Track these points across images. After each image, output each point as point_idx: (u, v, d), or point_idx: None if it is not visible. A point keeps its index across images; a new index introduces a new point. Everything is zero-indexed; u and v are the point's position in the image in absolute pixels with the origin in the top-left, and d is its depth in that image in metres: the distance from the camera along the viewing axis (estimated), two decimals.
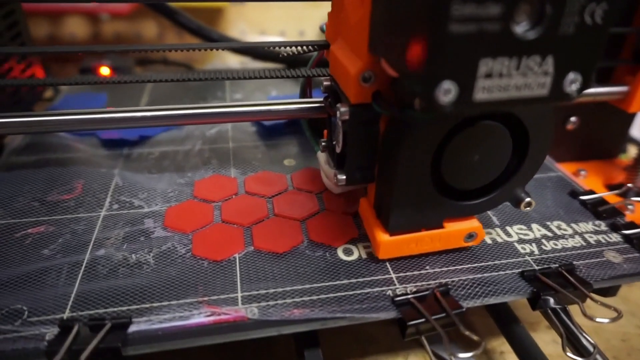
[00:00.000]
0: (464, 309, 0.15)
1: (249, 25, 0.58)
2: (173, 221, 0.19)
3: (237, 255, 0.17)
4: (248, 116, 0.20)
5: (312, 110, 0.20)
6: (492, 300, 0.16)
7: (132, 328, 0.14)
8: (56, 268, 0.16)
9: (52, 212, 0.19)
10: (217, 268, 0.17)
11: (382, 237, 0.16)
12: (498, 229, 0.19)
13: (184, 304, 0.15)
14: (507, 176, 0.16)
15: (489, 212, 0.20)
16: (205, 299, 0.15)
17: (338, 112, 0.15)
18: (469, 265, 0.17)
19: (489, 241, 0.19)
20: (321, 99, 0.20)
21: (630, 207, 0.22)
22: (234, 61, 0.47)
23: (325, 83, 0.17)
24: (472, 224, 0.17)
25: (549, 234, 0.19)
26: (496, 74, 0.11)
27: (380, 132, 0.16)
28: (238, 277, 0.16)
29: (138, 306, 0.15)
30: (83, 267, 0.16)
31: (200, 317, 0.15)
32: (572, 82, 0.12)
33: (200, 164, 0.23)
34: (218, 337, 0.14)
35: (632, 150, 0.29)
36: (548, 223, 0.20)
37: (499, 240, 0.19)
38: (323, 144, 0.19)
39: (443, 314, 0.15)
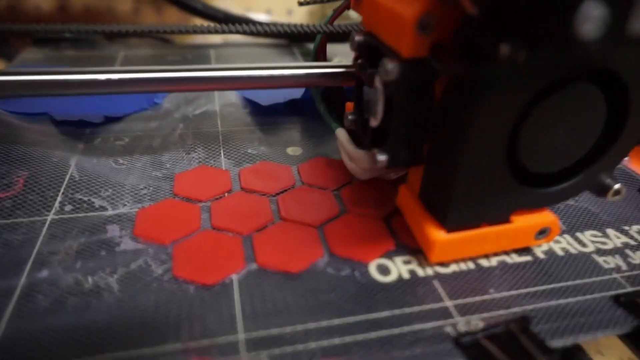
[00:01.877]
0: (554, 355, 0.11)
1: (233, 1, 0.53)
2: (146, 228, 0.14)
3: (234, 277, 0.13)
4: (246, 82, 0.15)
5: (333, 77, 0.15)
6: (588, 337, 0.12)
7: None
8: None
9: None
10: (207, 296, 0.12)
11: (437, 235, 0.13)
12: (567, 237, 0.15)
13: (162, 353, 0.10)
14: (595, 156, 0.13)
15: None
16: (193, 344, 0.11)
17: (382, 71, 0.11)
18: (545, 287, 0.13)
19: (560, 252, 0.14)
20: (342, 64, 0.15)
21: None
22: (215, 38, 0.42)
23: (357, 38, 0.13)
24: (546, 217, 0.14)
25: (632, 242, 0.15)
26: None
27: (435, 97, 0.12)
28: (238, 310, 0.12)
29: (93, 358, 0.10)
30: (15, 297, 0.11)
31: None
32: None
33: (182, 152, 0.18)
34: None
35: None
36: (626, 228, 0.16)
37: (573, 251, 0.14)
38: (350, 118, 0.15)
39: None
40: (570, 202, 0.17)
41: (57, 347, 0.10)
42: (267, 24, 0.16)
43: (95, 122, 0.19)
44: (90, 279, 0.12)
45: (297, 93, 0.22)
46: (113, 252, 0.13)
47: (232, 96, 0.23)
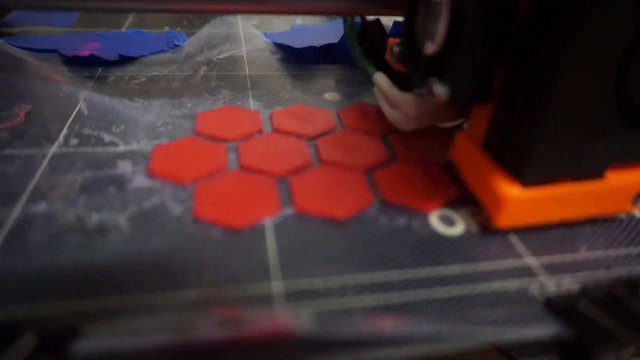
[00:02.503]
0: None
1: None
2: (163, 165, 0.12)
3: (268, 221, 0.10)
4: (275, 3, 0.12)
5: (379, 4, 0.13)
6: None
7: (79, 346, 0.07)
8: None
9: None
10: (235, 241, 0.10)
11: (510, 190, 0.10)
12: None
13: (177, 300, 0.08)
14: None
15: None
16: (217, 293, 0.08)
17: None
18: None
19: None
20: None
21: None
22: None
23: None
24: None
25: None
26: None
27: (516, 12, 0.09)
28: (273, 257, 0.09)
29: (94, 303, 0.08)
30: (6, 231, 0.09)
31: (207, 329, 0.08)
32: None
33: (206, 92, 0.16)
34: None
35: None
36: None
37: None
38: (396, 50, 0.12)
39: None
40: None
41: (49, 287, 0.08)
42: None
43: (108, 60, 0.17)
44: (95, 216, 0.10)
45: (332, 37, 0.19)
46: (124, 189, 0.11)
47: (260, 43, 0.20)
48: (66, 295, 0.08)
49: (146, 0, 0.13)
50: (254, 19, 0.24)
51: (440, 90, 0.10)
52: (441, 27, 0.10)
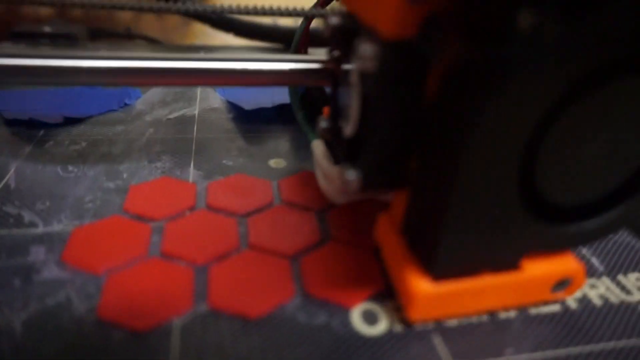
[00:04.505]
0: None
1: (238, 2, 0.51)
2: (78, 252, 0.11)
3: (176, 321, 0.10)
4: (212, 76, 0.12)
5: (307, 75, 0.12)
6: None
7: None
8: None
9: None
10: (136, 346, 0.09)
11: (421, 286, 0.09)
12: (606, 280, 0.12)
13: None
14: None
15: (585, 252, 0.13)
16: None
17: (357, 57, 0.08)
18: (579, 349, 0.10)
19: (597, 301, 0.11)
20: (317, 58, 0.12)
21: None
22: (215, 40, 0.39)
23: (333, 20, 0.10)
24: (567, 263, 0.10)
25: None
26: None
27: (425, 95, 0.09)
28: None
29: None
30: None
31: None
32: None
33: (145, 160, 0.15)
34: None
35: None
36: None
37: (614, 300, 0.11)
38: (323, 125, 0.12)
39: None
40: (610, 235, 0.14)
41: None
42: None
43: (50, 123, 0.17)
44: None
45: (286, 97, 0.19)
46: (30, 282, 0.10)
47: (216, 100, 0.20)
48: None
49: (107, 75, 0.12)
50: None
51: (351, 176, 0.09)
52: (354, 110, 0.10)
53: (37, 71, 0.12)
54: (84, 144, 0.16)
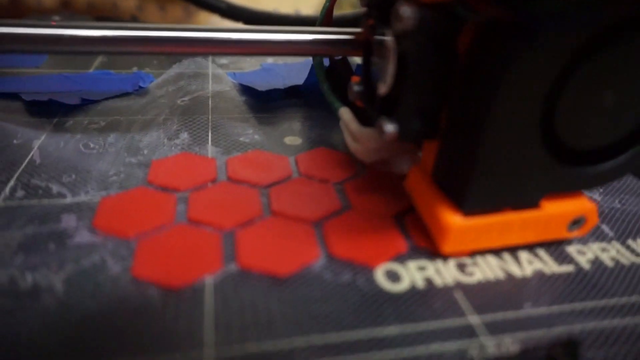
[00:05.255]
0: None
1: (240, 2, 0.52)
2: (108, 219, 0.12)
3: (208, 279, 0.10)
4: (243, 46, 0.12)
5: (337, 46, 0.13)
6: None
7: None
8: None
9: None
10: (172, 302, 0.10)
11: (453, 219, 0.10)
12: (616, 244, 0.12)
13: None
14: None
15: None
16: None
17: (395, 19, 0.09)
18: (595, 303, 0.10)
19: (609, 262, 0.12)
20: (349, 30, 0.13)
21: None
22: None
23: None
24: (582, 204, 0.11)
25: None
26: None
27: (458, 55, 0.09)
28: (209, 320, 0.09)
29: None
30: None
31: None
32: None
33: (164, 138, 0.16)
34: None
35: None
36: None
37: (624, 261, 0.12)
38: (356, 89, 0.12)
39: None
40: (616, 204, 0.14)
41: None
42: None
43: (69, 104, 0.17)
44: (29, 277, 0.10)
45: (297, 79, 0.20)
46: (64, 246, 0.11)
47: (228, 84, 0.21)
48: None
49: (112, 44, 0.13)
50: (225, 59, 0.24)
51: (389, 128, 0.10)
52: (390, 70, 0.10)
53: (39, 39, 0.12)
54: (102, 123, 0.16)
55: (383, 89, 0.10)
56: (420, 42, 0.09)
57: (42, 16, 0.28)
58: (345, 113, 0.14)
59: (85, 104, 0.18)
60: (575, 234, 0.12)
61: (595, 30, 0.08)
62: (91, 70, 0.21)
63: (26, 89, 0.18)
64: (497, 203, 0.11)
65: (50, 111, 0.17)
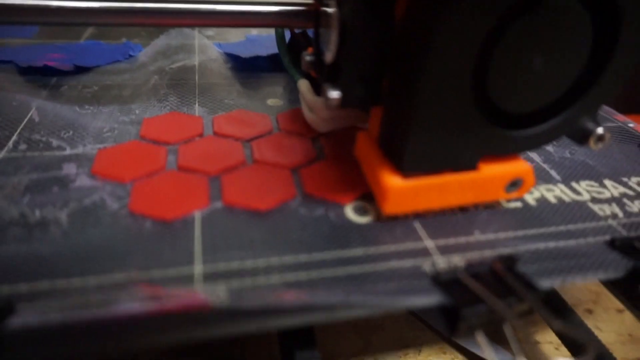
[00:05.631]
0: (540, 291, 0.10)
1: None
2: (105, 166, 0.13)
3: (197, 214, 0.12)
4: (211, 17, 0.14)
5: (292, 17, 0.14)
6: (577, 278, 0.11)
7: (13, 320, 0.08)
8: None
9: None
10: (165, 231, 0.11)
11: (392, 180, 0.11)
12: (561, 185, 0.14)
13: (105, 282, 0.09)
14: (577, 94, 0.11)
15: (545, 166, 0.15)
16: (143, 275, 0.10)
17: None
18: (534, 231, 0.12)
19: (552, 200, 0.13)
20: (302, 1, 0.14)
21: None
22: None
23: None
24: (519, 166, 0.12)
25: (630, 192, 0.14)
26: None
27: (395, 25, 0.10)
28: (198, 244, 0.11)
29: (30, 285, 0.09)
30: None
31: (130, 303, 0.09)
32: None
33: (154, 100, 0.17)
34: (158, 337, 0.09)
35: None
36: (625, 179, 0.15)
37: (566, 199, 0.13)
38: (307, 59, 0.13)
39: (512, 298, 0.10)
40: (566, 154, 0.16)
41: None
42: None
43: (63, 70, 0.18)
44: (37, 212, 0.11)
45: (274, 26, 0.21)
46: (66, 188, 0.12)
47: (214, 53, 0.22)
48: (5, 280, 0.09)
49: (102, 16, 0.14)
50: (210, 30, 0.25)
51: (332, 94, 0.11)
52: (333, 38, 0.11)
53: (27, 10, 0.13)
54: (95, 88, 0.18)
55: (329, 57, 0.11)
56: (359, 10, 0.10)
57: None
58: (302, 84, 0.15)
59: (79, 71, 0.19)
60: (514, 195, 0.12)
61: (503, 3, 0.09)
62: (82, 41, 0.22)
63: (20, 59, 0.18)
64: (436, 165, 0.11)
65: (44, 78, 0.18)
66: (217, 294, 0.09)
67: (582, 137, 0.12)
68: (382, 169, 0.11)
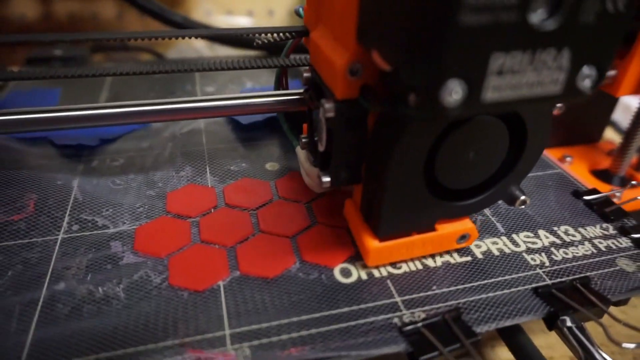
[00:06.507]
0: (479, 337, 0.14)
1: (214, 4, 0.55)
2: (144, 243, 0.16)
3: (221, 283, 0.15)
4: (220, 111, 0.18)
5: (289, 104, 0.18)
6: (507, 323, 0.14)
7: None
8: (6, 309, 0.14)
9: None
10: (199, 300, 0.14)
11: (372, 244, 0.15)
12: (504, 238, 0.18)
13: (163, 348, 0.13)
14: (503, 174, 0.15)
15: (493, 219, 0.19)
16: (188, 340, 0.13)
17: (322, 109, 0.14)
18: (479, 283, 0.16)
19: (496, 252, 0.17)
20: (299, 90, 0.18)
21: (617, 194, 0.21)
22: (200, 45, 0.44)
23: (305, 74, 0.16)
24: (465, 225, 0.16)
25: (558, 241, 0.18)
26: (508, 70, 0.10)
27: (368, 128, 0.14)
28: (224, 311, 0.14)
29: (109, 354, 0.13)
30: (39, 307, 0.14)
31: None
32: (586, 77, 0.11)
33: (172, 171, 0.20)
34: None
35: (609, 134, 0.29)
36: (555, 228, 0.18)
37: (507, 251, 0.17)
38: (303, 140, 0.17)
39: (457, 344, 0.13)
40: (511, 206, 0.19)
41: (77, 348, 0.13)
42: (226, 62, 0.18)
43: (92, 146, 0.21)
44: (100, 289, 0.15)
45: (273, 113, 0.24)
46: (118, 266, 0.15)
47: None
48: (90, 349, 0.13)
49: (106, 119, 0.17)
50: (210, 87, 0.28)
51: (324, 179, 0.15)
52: (323, 137, 0.15)
53: (71, 119, 0.17)
54: (121, 160, 0.21)
55: (321, 148, 0.15)
56: (340, 123, 0.14)
57: (42, 47, 0.31)
58: (300, 152, 0.18)
59: (103, 144, 0.22)
60: (463, 245, 0.17)
61: (442, 123, 0.13)
62: None
63: (54, 133, 0.22)
64: (403, 229, 0.15)
65: (76, 152, 0.21)
66: (243, 353, 0.13)
67: (511, 201, 0.16)
68: (364, 234, 0.15)
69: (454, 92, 0.10)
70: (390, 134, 0.13)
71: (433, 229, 0.16)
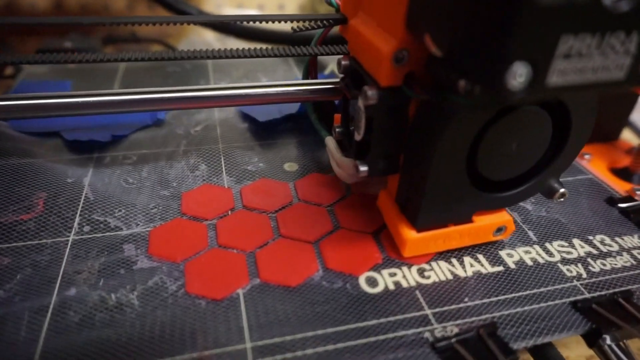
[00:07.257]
0: (517, 355, 0.13)
1: None
2: (159, 247, 0.15)
3: (240, 291, 0.14)
4: (251, 99, 0.17)
5: (322, 93, 0.17)
6: (546, 339, 0.13)
7: None
8: (14, 316, 0.13)
9: (6, 237, 0.15)
10: (217, 309, 0.14)
11: (409, 235, 0.15)
12: (537, 247, 0.17)
13: None
14: (544, 165, 0.15)
15: (524, 227, 0.18)
16: (207, 353, 0.12)
17: (363, 96, 0.13)
18: (513, 295, 0.15)
19: (529, 262, 0.16)
20: (330, 80, 0.17)
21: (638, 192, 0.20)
22: (211, 37, 0.43)
23: (343, 62, 0.15)
24: (502, 217, 0.16)
25: (594, 252, 0.17)
26: (575, 54, 0.10)
27: (409, 117, 0.14)
28: (245, 322, 0.13)
29: None
30: (49, 314, 0.13)
31: None
32: None
33: (187, 170, 0.19)
34: None
35: (625, 135, 0.28)
36: (590, 238, 0.17)
37: (541, 261, 0.16)
38: (337, 130, 0.17)
39: None
40: (542, 213, 0.18)
41: (89, 359, 0.12)
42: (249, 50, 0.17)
43: (104, 142, 0.20)
44: (113, 296, 0.14)
45: (292, 108, 0.23)
46: (131, 271, 0.15)
47: (231, 111, 0.24)
48: None
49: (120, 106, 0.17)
50: (224, 81, 0.27)
51: (362, 168, 0.15)
52: (362, 126, 0.14)
53: (82, 105, 0.16)
54: (134, 158, 0.20)
55: (358, 137, 0.14)
56: (381, 111, 0.13)
57: (53, 39, 0.30)
58: (330, 142, 0.18)
59: (115, 139, 0.21)
60: (499, 237, 0.16)
61: (488, 112, 0.12)
62: None
63: (60, 123, 0.21)
64: (441, 221, 0.15)
65: (87, 148, 0.20)
66: None
67: (549, 194, 0.15)
68: (400, 225, 0.15)
69: (518, 75, 0.09)
70: (434, 124, 0.13)
71: (470, 221, 0.15)
